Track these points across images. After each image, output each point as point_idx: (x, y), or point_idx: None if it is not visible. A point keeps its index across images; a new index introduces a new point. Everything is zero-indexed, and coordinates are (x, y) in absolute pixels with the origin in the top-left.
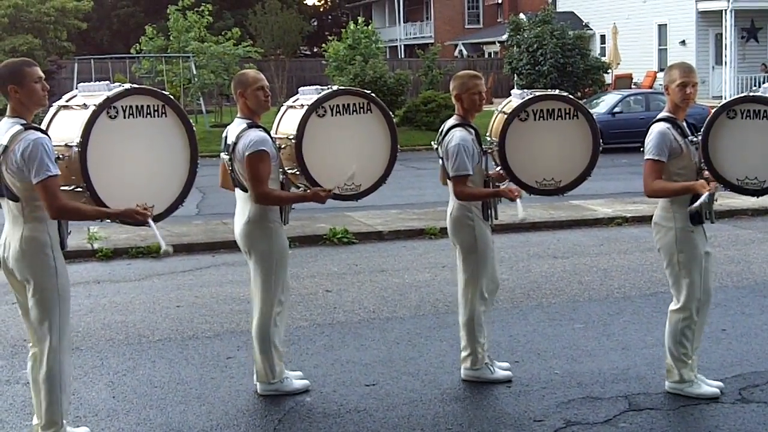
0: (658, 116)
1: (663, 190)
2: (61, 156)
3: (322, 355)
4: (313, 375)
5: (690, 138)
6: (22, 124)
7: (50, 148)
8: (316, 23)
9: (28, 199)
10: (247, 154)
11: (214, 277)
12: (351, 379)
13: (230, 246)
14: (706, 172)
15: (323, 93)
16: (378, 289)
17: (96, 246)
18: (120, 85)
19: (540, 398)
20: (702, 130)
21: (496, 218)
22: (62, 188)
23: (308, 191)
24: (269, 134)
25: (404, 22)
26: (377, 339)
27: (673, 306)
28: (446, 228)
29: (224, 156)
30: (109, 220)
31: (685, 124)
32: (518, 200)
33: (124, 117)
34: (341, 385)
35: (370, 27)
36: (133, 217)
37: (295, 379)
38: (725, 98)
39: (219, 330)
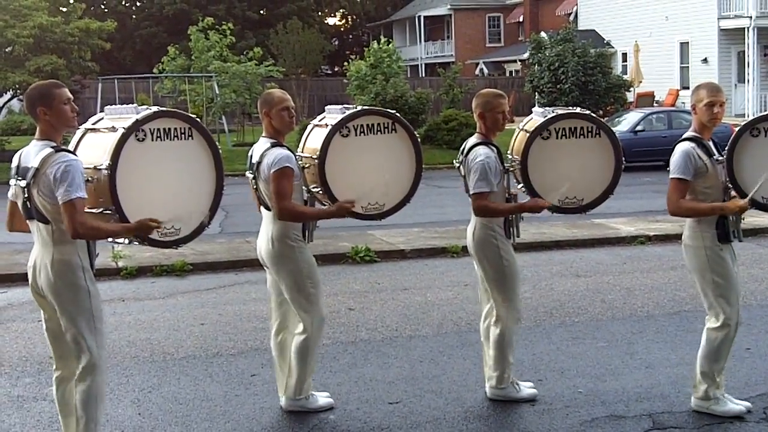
0: (684, 135)
1: (692, 210)
2: (89, 179)
3: (345, 372)
4: (336, 393)
5: (716, 157)
6: (52, 147)
7: (82, 171)
8: (337, 42)
9: (59, 221)
10: (272, 171)
11: (238, 295)
12: (374, 396)
13: (253, 264)
14: (733, 191)
15: (347, 113)
16: (400, 307)
17: (120, 264)
18: (148, 108)
19: (564, 417)
20: (726, 148)
21: (518, 236)
22: (91, 210)
23: (331, 206)
24: (293, 153)
25: (425, 41)
26: (400, 357)
27: (711, 324)
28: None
29: (249, 175)
30: (125, 241)
31: (711, 143)
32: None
33: (152, 140)
34: (365, 403)
35: (391, 46)
36: (146, 228)
37: (321, 398)
38: (748, 116)
39: (243, 347)
